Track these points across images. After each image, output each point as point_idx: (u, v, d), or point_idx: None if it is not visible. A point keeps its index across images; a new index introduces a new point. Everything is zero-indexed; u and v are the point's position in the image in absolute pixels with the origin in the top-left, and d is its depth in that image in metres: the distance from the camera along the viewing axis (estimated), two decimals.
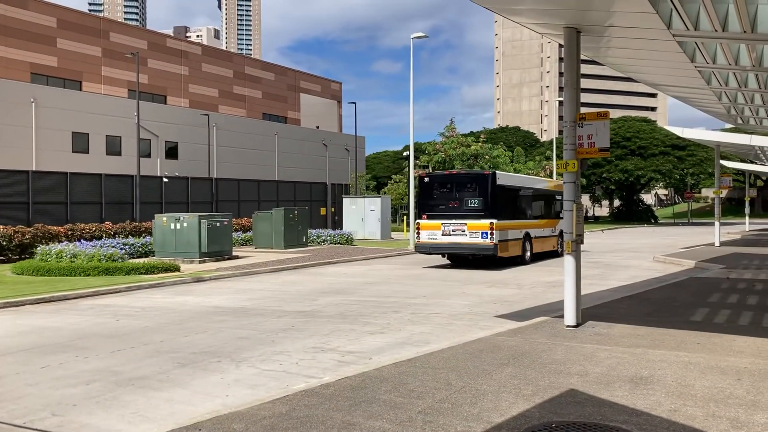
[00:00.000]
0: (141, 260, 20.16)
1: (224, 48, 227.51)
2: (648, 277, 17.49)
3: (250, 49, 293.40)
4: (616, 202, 77.10)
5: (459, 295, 14.04)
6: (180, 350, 8.81)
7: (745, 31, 8.17)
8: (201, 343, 9.23)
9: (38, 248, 20.07)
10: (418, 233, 20.39)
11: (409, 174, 31.98)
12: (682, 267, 19.98)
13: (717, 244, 27.70)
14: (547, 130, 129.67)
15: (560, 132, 77.31)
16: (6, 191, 23.75)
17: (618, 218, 66.97)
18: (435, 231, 19.95)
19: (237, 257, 22.56)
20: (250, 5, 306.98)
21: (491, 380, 6.74)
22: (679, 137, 50.59)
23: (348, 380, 6.77)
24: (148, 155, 40.02)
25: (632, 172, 60.50)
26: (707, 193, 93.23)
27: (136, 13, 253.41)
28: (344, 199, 36.14)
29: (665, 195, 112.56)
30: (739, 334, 9.07)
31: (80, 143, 36.82)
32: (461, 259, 21.15)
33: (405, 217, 38.97)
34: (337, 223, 38.12)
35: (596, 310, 11.13)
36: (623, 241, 33.80)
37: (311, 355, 8.47)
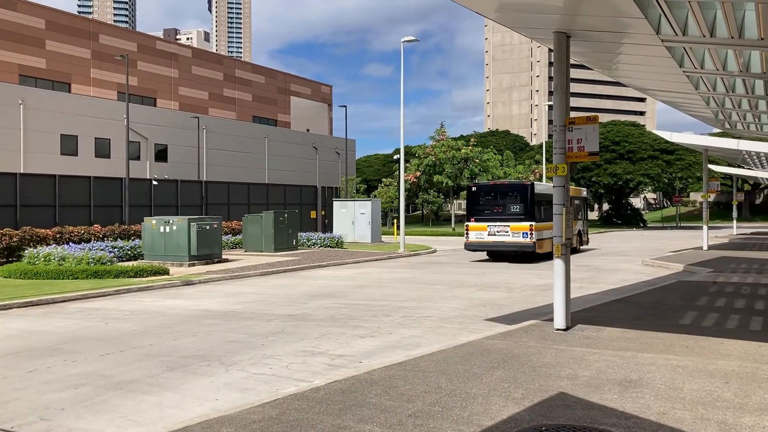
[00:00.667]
0: (130, 263, 20.07)
1: (214, 51, 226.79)
2: (637, 280, 17.60)
3: (241, 52, 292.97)
4: (605, 206, 77.49)
5: (449, 299, 14.06)
6: (169, 354, 8.77)
7: (732, 37, 8.26)
8: (190, 347, 9.19)
9: (26, 251, 19.94)
10: (467, 234, 23.93)
11: (400, 177, 32.02)
12: (670, 270, 20.13)
13: (705, 247, 27.91)
14: (537, 133, 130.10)
15: (550, 136, 77.49)
16: None
17: (607, 222, 67.28)
18: (482, 232, 23.48)
19: (227, 260, 22.50)
20: (240, 8, 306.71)
21: (481, 383, 6.75)
22: (667, 141, 51.02)
23: (338, 384, 6.77)
24: (138, 158, 39.76)
25: (621, 176, 60.88)
26: (695, 197, 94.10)
27: (126, 15, 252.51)
28: (335, 203, 36.13)
29: (654, 199, 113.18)
30: (726, 337, 9.15)
31: (69, 145, 36.53)
32: (501, 255, 24.32)
33: (395, 221, 38.96)
34: (328, 227, 38.07)
35: (586, 314, 11.18)
36: (612, 245, 33.97)
37: (301, 358, 8.45)
